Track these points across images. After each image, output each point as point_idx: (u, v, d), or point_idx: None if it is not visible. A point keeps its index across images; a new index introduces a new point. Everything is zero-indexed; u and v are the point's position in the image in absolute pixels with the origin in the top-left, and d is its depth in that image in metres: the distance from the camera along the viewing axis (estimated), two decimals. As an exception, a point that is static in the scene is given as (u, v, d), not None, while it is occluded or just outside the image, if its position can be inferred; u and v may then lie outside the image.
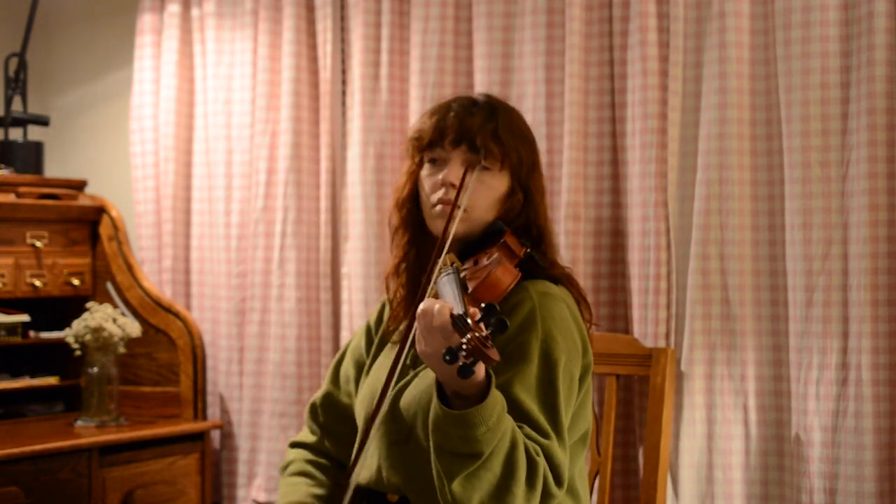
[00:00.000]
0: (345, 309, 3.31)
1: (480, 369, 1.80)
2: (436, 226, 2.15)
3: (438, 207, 2.14)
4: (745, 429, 2.72)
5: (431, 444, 1.88)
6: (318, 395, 2.40)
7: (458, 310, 1.77)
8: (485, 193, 2.15)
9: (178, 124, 3.61)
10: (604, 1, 2.93)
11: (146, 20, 3.65)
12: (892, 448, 2.54)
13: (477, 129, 2.14)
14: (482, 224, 2.16)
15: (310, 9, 3.41)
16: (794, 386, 2.64)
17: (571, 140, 2.92)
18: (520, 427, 1.93)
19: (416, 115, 3.15)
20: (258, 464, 3.42)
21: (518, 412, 1.95)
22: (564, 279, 2.18)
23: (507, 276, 2.00)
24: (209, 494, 3.43)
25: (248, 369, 3.45)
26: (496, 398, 1.84)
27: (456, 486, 1.85)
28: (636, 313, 2.84)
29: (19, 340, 3.43)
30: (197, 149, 3.59)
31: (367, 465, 2.14)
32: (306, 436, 2.39)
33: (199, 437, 3.42)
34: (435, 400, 1.85)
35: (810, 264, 2.61)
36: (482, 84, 3.06)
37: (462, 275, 2.00)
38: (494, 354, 1.71)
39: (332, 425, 2.35)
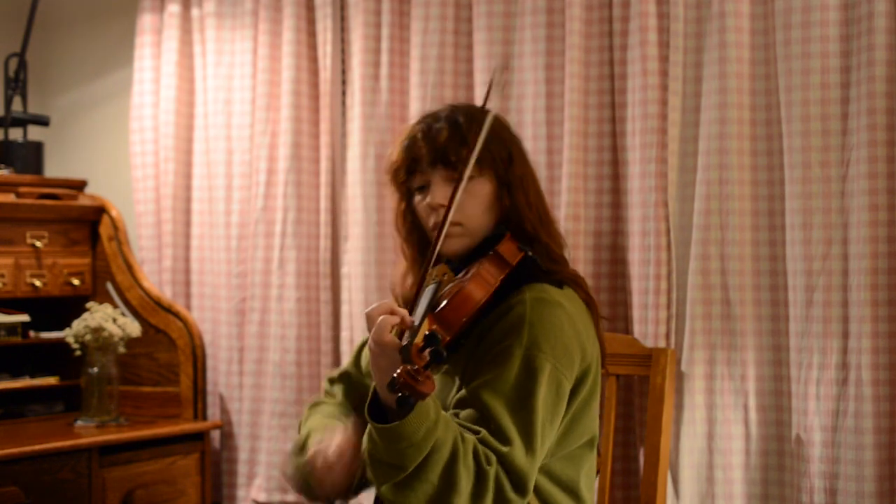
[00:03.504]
0: (345, 309, 3.31)
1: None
2: (443, 247, 2.12)
3: (436, 232, 2.13)
4: (745, 429, 2.72)
5: (363, 447, 1.91)
6: (335, 371, 2.39)
7: (407, 338, 1.79)
8: (473, 202, 2.13)
9: (178, 124, 3.61)
10: (604, 1, 2.93)
11: (146, 20, 3.65)
12: (892, 448, 2.54)
13: (445, 142, 2.12)
14: (481, 232, 2.15)
15: (310, 9, 3.41)
16: (795, 386, 2.64)
17: (571, 140, 2.92)
18: (477, 432, 1.93)
19: (416, 115, 3.15)
20: (258, 464, 3.42)
21: (482, 415, 1.95)
22: (570, 281, 2.15)
23: (478, 290, 1.98)
24: (209, 494, 3.43)
25: (248, 369, 3.45)
26: (425, 414, 1.84)
27: (385, 490, 1.89)
28: (636, 313, 2.84)
29: (19, 340, 3.43)
30: (197, 149, 3.59)
31: None
32: (328, 398, 2.38)
33: (199, 437, 3.42)
34: (365, 409, 1.89)
35: (810, 264, 2.61)
36: (482, 84, 3.06)
37: (442, 290, 1.99)
38: (427, 387, 1.73)
39: (351, 398, 2.33)
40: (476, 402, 1.96)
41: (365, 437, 1.90)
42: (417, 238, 2.24)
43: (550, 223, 2.21)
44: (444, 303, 1.96)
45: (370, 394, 1.92)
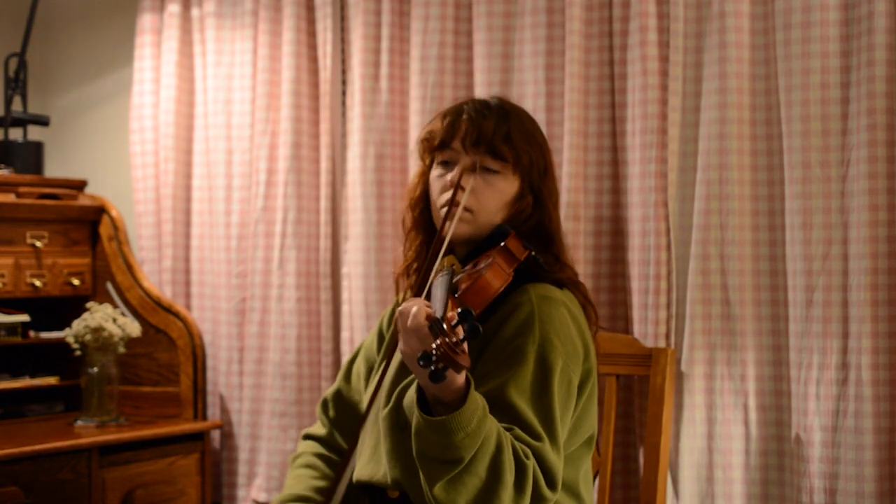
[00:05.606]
0: (345, 309, 3.31)
1: (454, 375, 1.80)
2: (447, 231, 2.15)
3: (445, 209, 2.14)
4: (745, 429, 2.72)
5: (414, 449, 1.89)
6: (329, 391, 2.42)
7: (438, 313, 1.79)
8: (492, 196, 2.15)
9: (178, 124, 3.61)
10: (604, 1, 2.93)
11: (146, 20, 3.65)
12: (892, 448, 2.54)
13: (490, 131, 2.14)
14: (488, 226, 2.16)
15: (310, 9, 3.41)
16: (794, 386, 2.64)
17: (571, 140, 2.92)
18: (510, 429, 1.94)
19: (416, 115, 3.16)
20: (258, 464, 3.42)
21: (510, 415, 1.96)
22: (569, 283, 2.18)
23: (497, 279, 2.00)
24: (209, 494, 3.43)
25: (248, 369, 3.45)
26: (476, 404, 1.84)
27: (438, 490, 1.87)
28: (636, 313, 2.84)
29: (19, 340, 3.43)
30: (197, 149, 3.59)
31: (369, 462, 2.14)
32: (318, 429, 2.41)
33: (199, 437, 3.42)
34: (415, 406, 1.87)
35: (810, 264, 2.61)
36: (482, 84, 3.06)
37: (456, 277, 2.00)
38: (464, 360, 1.74)
39: (342, 420, 2.36)
40: (500, 401, 1.96)
41: (414, 439, 1.88)
42: (425, 222, 2.25)
43: (562, 236, 2.26)
44: (464, 287, 1.97)
45: (416, 393, 1.89)
